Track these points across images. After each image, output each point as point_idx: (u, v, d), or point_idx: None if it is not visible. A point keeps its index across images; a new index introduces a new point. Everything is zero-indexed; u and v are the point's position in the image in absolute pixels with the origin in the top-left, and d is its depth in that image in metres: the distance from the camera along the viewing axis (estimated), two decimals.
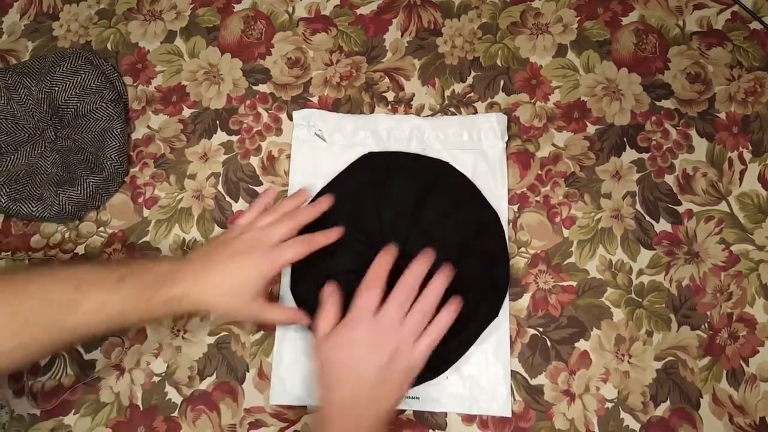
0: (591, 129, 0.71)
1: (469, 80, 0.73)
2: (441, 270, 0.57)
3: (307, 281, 0.64)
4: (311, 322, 0.58)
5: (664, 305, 0.65)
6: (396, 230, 0.65)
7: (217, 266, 0.55)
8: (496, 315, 0.64)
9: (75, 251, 0.69)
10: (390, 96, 0.73)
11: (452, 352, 0.62)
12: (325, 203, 0.62)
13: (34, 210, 0.67)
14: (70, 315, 0.50)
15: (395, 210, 0.65)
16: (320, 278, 0.63)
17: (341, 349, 0.54)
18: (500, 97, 0.72)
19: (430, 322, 0.56)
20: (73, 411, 0.64)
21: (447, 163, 0.68)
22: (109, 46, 0.76)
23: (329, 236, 0.60)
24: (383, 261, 0.57)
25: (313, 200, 0.66)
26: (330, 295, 0.57)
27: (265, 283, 0.56)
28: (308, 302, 0.64)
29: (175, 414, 0.64)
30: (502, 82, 0.73)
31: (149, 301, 0.52)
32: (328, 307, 0.57)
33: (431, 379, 0.62)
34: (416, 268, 0.57)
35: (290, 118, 0.72)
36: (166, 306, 0.53)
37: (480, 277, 0.63)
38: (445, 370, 0.62)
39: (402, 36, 0.75)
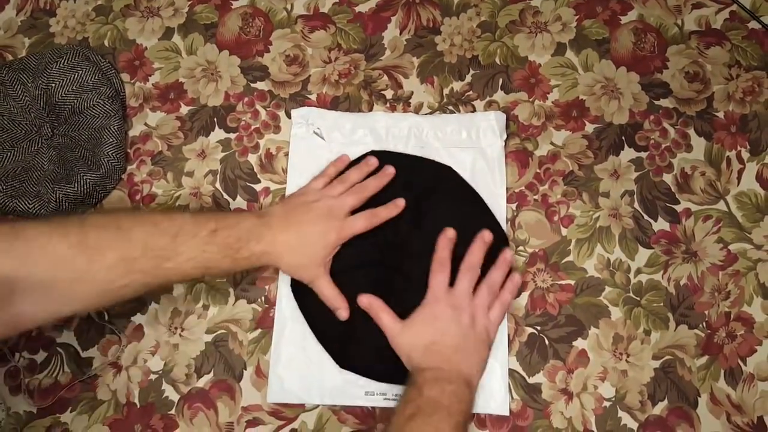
0: (589, 128, 0.71)
1: (468, 78, 0.73)
2: (503, 254, 0.64)
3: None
4: (346, 315, 0.62)
5: (662, 304, 0.65)
6: (397, 231, 0.65)
7: (296, 228, 0.60)
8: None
9: None
10: (389, 94, 0.73)
11: None
12: (389, 175, 0.67)
13: (30, 207, 0.67)
14: (168, 262, 0.54)
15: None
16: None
17: (426, 325, 0.60)
18: (499, 96, 0.72)
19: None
20: (69, 408, 0.64)
21: (448, 167, 0.68)
22: (106, 43, 0.76)
23: (390, 210, 0.65)
24: (444, 245, 0.63)
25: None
26: (372, 300, 0.62)
27: (333, 249, 0.62)
28: (308, 301, 0.64)
29: (173, 412, 0.64)
30: (500, 81, 0.73)
31: (236, 253, 0.57)
32: (379, 306, 0.62)
33: None
34: (476, 250, 0.63)
35: (288, 115, 0.72)
36: (248, 260, 0.58)
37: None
38: None
39: (401, 34, 0.75)
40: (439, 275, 0.62)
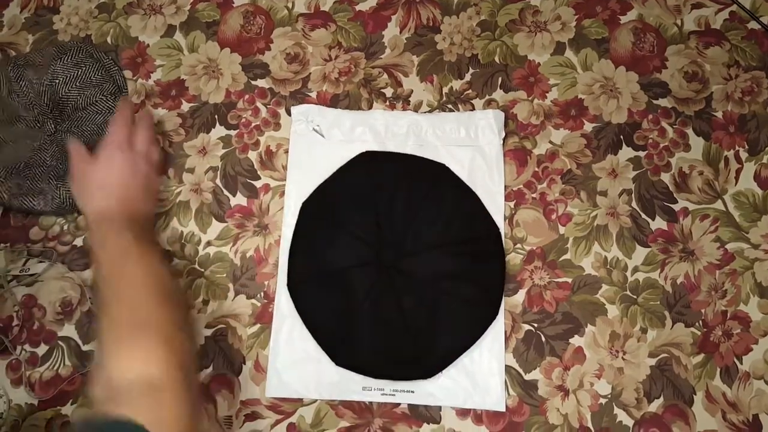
0: (588, 127, 0.71)
1: (467, 77, 0.73)
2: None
3: (304, 277, 0.65)
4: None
5: (658, 302, 0.65)
6: (393, 229, 0.65)
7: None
8: (494, 317, 0.64)
9: (73, 243, 0.69)
10: (388, 92, 0.73)
11: (451, 353, 0.63)
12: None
13: (35, 204, 0.67)
14: None
15: (392, 210, 0.66)
16: (317, 274, 0.64)
17: (104, 166, 0.62)
18: (498, 94, 0.73)
19: None
20: (70, 401, 0.65)
21: (444, 166, 0.69)
22: (109, 40, 0.77)
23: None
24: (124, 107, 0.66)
25: (312, 196, 0.68)
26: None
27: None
28: (303, 302, 0.65)
29: None
30: (500, 80, 0.73)
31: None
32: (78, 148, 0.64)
33: (432, 376, 0.63)
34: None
35: (289, 113, 0.73)
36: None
37: (476, 279, 0.64)
38: (445, 367, 0.63)
39: (401, 32, 0.75)
40: (117, 129, 0.64)
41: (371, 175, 0.68)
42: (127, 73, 0.75)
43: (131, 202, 0.61)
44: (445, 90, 0.73)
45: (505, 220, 0.68)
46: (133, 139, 0.64)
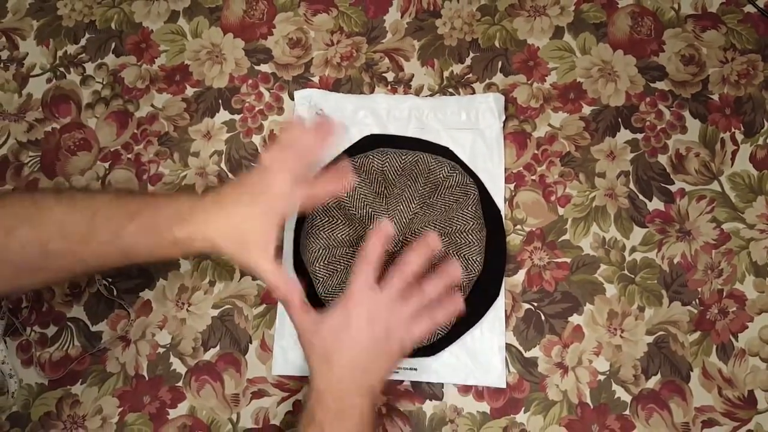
0: (586, 110, 0.72)
1: (468, 61, 0.74)
2: (447, 266, 0.55)
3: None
4: (301, 304, 0.53)
5: (656, 281, 0.67)
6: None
7: (231, 209, 0.52)
8: (495, 296, 0.66)
9: None
10: (390, 76, 0.74)
11: (453, 331, 0.64)
12: (347, 177, 0.56)
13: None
14: (84, 245, 0.50)
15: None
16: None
17: (340, 322, 0.52)
18: (498, 78, 0.74)
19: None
20: (80, 381, 0.66)
21: (447, 149, 0.70)
22: (112, 26, 0.77)
23: (337, 180, 0.56)
24: (377, 239, 0.53)
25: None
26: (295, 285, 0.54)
27: (272, 233, 0.52)
28: (312, 279, 0.66)
29: (180, 384, 0.66)
30: (500, 64, 0.74)
31: (159, 239, 0.51)
32: (293, 299, 0.54)
33: (432, 355, 0.64)
34: (416, 249, 0.54)
35: (291, 97, 0.74)
36: (176, 246, 0.52)
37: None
38: (446, 347, 0.64)
39: (402, 17, 0.76)
40: (362, 270, 0.53)
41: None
42: (131, 59, 0.76)
43: (367, 373, 0.52)
44: (446, 74, 0.74)
45: (505, 201, 0.69)
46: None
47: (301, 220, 0.68)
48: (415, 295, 0.53)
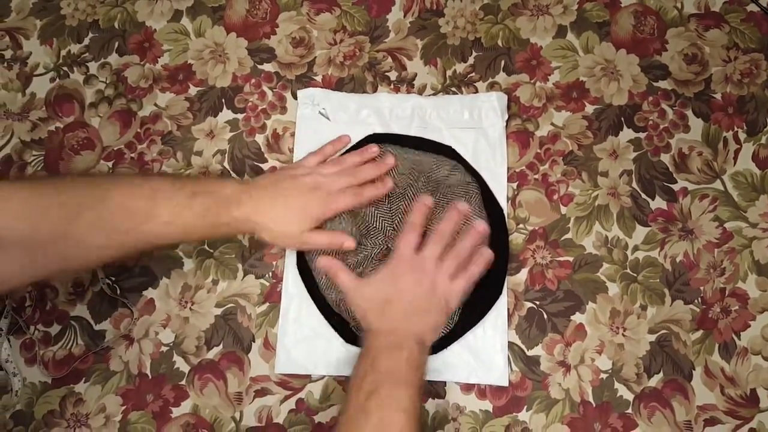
0: (589, 109, 0.72)
1: (471, 60, 0.74)
2: (475, 224, 0.63)
3: (313, 256, 0.66)
4: (353, 245, 0.62)
5: (658, 280, 0.67)
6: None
7: (281, 199, 0.61)
8: (498, 295, 0.66)
9: None
10: (393, 75, 0.74)
11: (456, 330, 0.64)
12: (387, 165, 0.66)
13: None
14: (146, 224, 0.55)
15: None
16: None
17: (385, 284, 0.60)
18: (501, 77, 0.74)
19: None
20: (83, 379, 0.66)
21: (450, 148, 0.70)
22: (116, 25, 0.78)
23: (378, 189, 0.64)
24: (420, 207, 0.62)
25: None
26: (329, 261, 0.63)
27: (316, 222, 0.61)
28: (313, 281, 0.66)
29: (183, 382, 0.66)
30: (502, 63, 0.74)
31: (216, 218, 0.58)
32: (337, 265, 0.62)
33: (436, 353, 0.64)
34: (449, 218, 0.62)
35: (294, 96, 0.74)
36: (228, 226, 0.59)
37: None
38: (449, 345, 0.65)
39: (405, 16, 0.76)
40: (407, 236, 0.61)
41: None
42: (135, 58, 0.76)
43: (418, 321, 0.59)
44: (449, 73, 0.74)
45: (508, 200, 0.69)
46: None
47: None
48: (451, 254, 0.61)
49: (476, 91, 0.73)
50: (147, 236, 0.56)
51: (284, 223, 0.61)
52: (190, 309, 0.68)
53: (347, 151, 0.70)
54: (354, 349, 0.65)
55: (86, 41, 0.77)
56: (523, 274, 0.67)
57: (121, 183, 0.57)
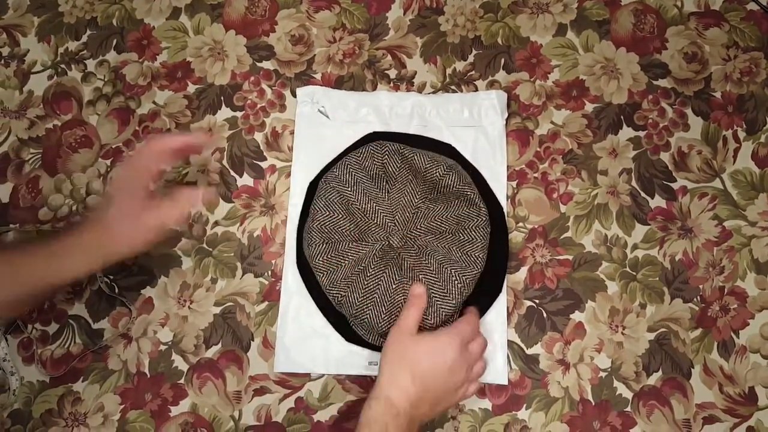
0: (589, 107, 0.72)
1: (471, 58, 0.74)
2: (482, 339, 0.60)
3: (313, 254, 0.65)
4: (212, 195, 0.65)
5: (657, 278, 0.67)
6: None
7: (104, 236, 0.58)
8: (498, 294, 0.66)
9: None
10: (392, 73, 0.74)
11: None
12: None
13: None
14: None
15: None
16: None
17: (434, 354, 0.56)
18: (500, 76, 0.73)
19: None
20: (81, 378, 0.66)
21: (450, 146, 0.70)
22: (114, 22, 0.77)
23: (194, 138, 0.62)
24: (475, 316, 0.61)
25: (319, 176, 0.69)
26: (419, 297, 0.58)
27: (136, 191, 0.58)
28: (313, 280, 0.66)
29: (182, 381, 0.66)
30: (502, 61, 0.74)
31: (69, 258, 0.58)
32: (416, 305, 0.58)
33: None
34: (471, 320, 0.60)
35: (294, 94, 0.73)
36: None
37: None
38: None
39: (404, 14, 0.76)
40: (469, 322, 0.59)
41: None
42: (133, 56, 0.76)
43: (433, 410, 0.57)
44: (449, 71, 0.74)
45: (507, 199, 0.69)
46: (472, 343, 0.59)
47: (304, 215, 0.68)
48: (478, 363, 0.59)
49: (476, 90, 0.73)
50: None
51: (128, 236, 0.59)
52: (189, 308, 0.68)
53: (347, 150, 0.70)
54: (353, 348, 0.65)
55: (84, 38, 0.77)
56: (522, 273, 0.67)
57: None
